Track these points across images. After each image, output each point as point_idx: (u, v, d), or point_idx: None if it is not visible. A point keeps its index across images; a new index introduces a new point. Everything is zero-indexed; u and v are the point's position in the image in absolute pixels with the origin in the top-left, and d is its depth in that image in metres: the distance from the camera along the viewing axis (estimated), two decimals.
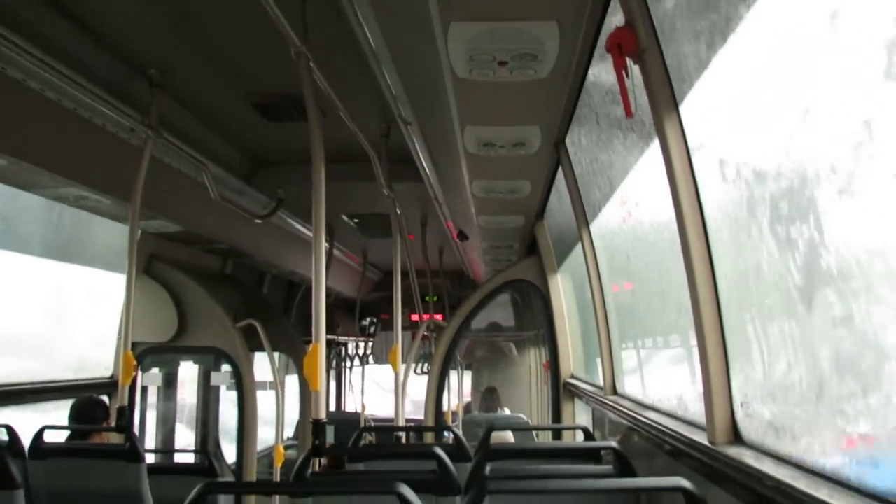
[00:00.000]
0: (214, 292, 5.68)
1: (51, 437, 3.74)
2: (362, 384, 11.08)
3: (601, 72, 2.78)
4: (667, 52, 2.12)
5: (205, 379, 7.14)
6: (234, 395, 5.67)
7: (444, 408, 6.58)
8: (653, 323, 3.43)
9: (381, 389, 12.18)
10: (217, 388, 7.08)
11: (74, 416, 4.32)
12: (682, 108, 2.14)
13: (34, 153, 3.44)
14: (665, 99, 2.14)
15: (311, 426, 2.65)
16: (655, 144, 2.27)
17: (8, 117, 3.25)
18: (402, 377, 5.13)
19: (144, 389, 5.99)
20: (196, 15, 3.42)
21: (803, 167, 1.57)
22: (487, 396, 9.41)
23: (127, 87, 3.86)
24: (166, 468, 4.32)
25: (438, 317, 9.64)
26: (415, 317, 9.35)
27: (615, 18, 2.30)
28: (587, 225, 4.08)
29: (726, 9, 1.72)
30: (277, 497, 4.38)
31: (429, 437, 6.01)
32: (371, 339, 12.35)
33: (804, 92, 1.52)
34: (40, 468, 3.49)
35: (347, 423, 8.76)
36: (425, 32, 2.53)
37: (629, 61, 2.19)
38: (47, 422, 3.80)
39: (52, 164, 3.58)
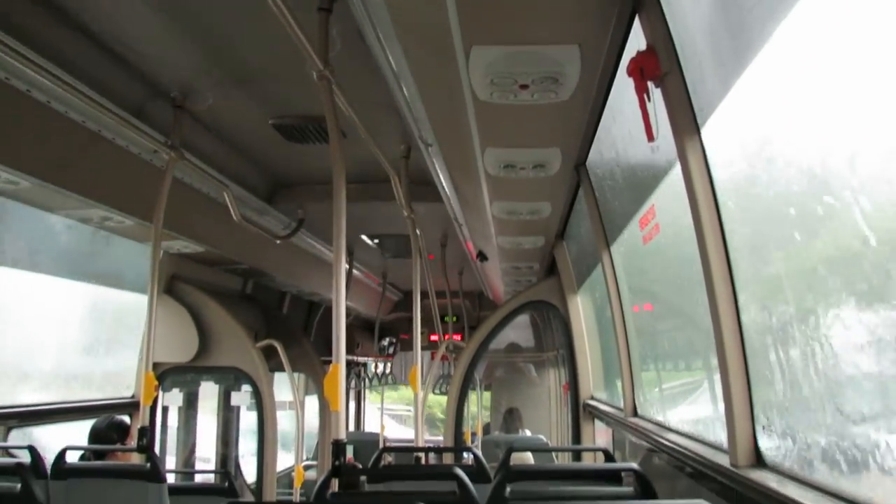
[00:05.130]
0: (235, 312, 5.71)
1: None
2: (381, 404, 11.07)
3: (622, 94, 2.78)
4: (689, 75, 2.12)
5: (225, 399, 7.16)
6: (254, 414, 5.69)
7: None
8: (675, 344, 3.41)
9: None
10: (237, 408, 7.10)
11: (92, 437, 4.34)
12: (704, 132, 2.13)
13: (58, 175, 3.49)
14: (687, 123, 2.14)
15: (331, 446, 2.64)
16: (678, 166, 2.26)
17: (33, 139, 3.30)
18: (421, 397, 5.12)
19: (165, 409, 6.02)
20: (218, 38, 3.46)
21: (829, 187, 1.57)
22: (507, 417, 9.32)
23: (150, 108, 3.91)
24: (187, 488, 4.31)
25: (457, 337, 9.63)
26: (434, 337, 9.34)
27: (636, 42, 2.31)
28: (608, 246, 4.07)
29: (750, 32, 1.72)
30: None
31: (448, 458, 5.97)
32: (390, 360, 12.35)
33: (832, 111, 1.52)
34: (62, 489, 3.50)
35: (366, 444, 8.77)
36: (447, 55, 2.54)
37: (651, 85, 2.19)
38: None
39: (77, 186, 3.63)
